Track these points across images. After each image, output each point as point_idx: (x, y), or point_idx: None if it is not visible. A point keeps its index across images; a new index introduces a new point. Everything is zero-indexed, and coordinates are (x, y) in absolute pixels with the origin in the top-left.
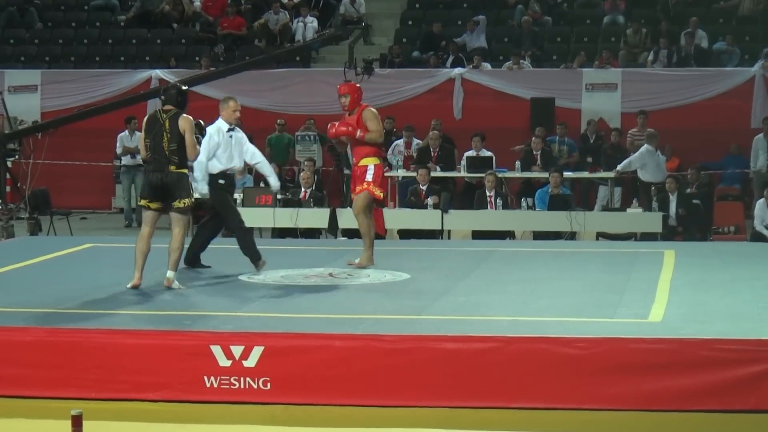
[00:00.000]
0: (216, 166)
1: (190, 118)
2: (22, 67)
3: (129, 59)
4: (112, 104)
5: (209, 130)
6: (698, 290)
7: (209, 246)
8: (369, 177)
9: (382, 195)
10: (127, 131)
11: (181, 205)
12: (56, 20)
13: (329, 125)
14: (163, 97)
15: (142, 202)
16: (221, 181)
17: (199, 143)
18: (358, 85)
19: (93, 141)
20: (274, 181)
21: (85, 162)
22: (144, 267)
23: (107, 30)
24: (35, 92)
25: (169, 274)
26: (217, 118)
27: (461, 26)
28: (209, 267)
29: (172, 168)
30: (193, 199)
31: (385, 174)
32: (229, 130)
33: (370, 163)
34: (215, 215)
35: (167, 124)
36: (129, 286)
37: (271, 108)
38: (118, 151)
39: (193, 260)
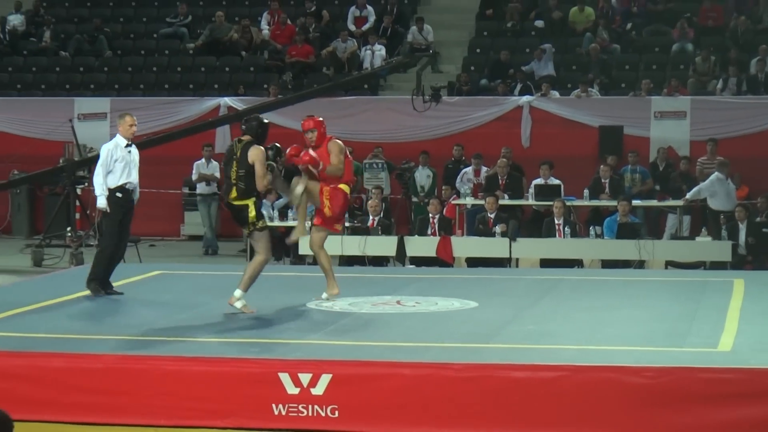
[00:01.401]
0: (114, 181)
1: (262, 149)
2: (92, 95)
3: (197, 87)
4: (180, 132)
5: (107, 146)
6: None
7: (271, 274)
8: (328, 211)
9: (339, 228)
10: (203, 158)
11: (250, 229)
12: (125, 48)
13: (294, 152)
14: (244, 126)
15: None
16: (119, 195)
17: (274, 166)
18: (321, 119)
19: (162, 168)
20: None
21: (154, 189)
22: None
23: (176, 58)
24: (104, 120)
25: (236, 292)
26: (115, 135)
27: (529, 54)
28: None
29: (233, 194)
30: (264, 223)
31: (453, 202)
32: (127, 145)
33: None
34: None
35: (239, 153)
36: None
37: (338, 135)
38: (194, 178)
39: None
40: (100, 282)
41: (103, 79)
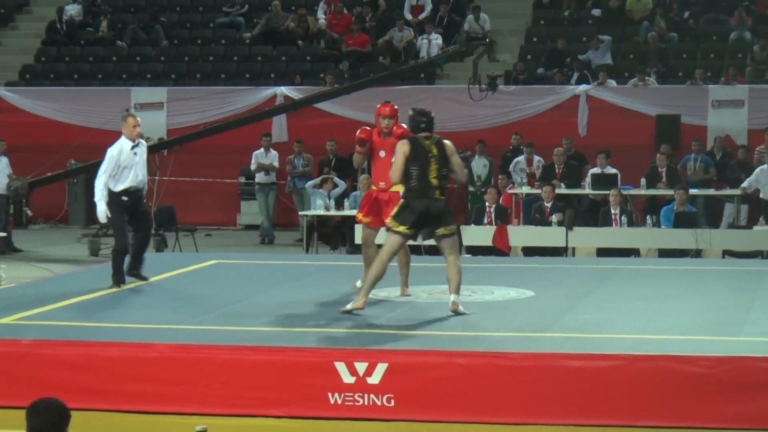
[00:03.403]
0: (120, 185)
1: (450, 142)
2: (148, 85)
3: (254, 76)
4: (237, 121)
5: (112, 152)
6: None
7: (327, 263)
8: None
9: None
10: (262, 148)
11: (448, 231)
12: (182, 38)
13: (365, 135)
14: (423, 124)
15: (400, 228)
16: (124, 198)
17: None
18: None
19: (218, 158)
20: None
21: (210, 179)
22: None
23: (232, 47)
24: (161, 109)
25: (453, 297)
26: (120, 136)
27: (586, 43)
28: (147, 279)
29: (437, 194)
30: (455, 224)
31: (510, 191)
32: (133, 147)
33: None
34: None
35: (434, 151)
36: (349, 308)
37: None
38: (252, 167)
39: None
40: (122, 277)
41: (160, 69)
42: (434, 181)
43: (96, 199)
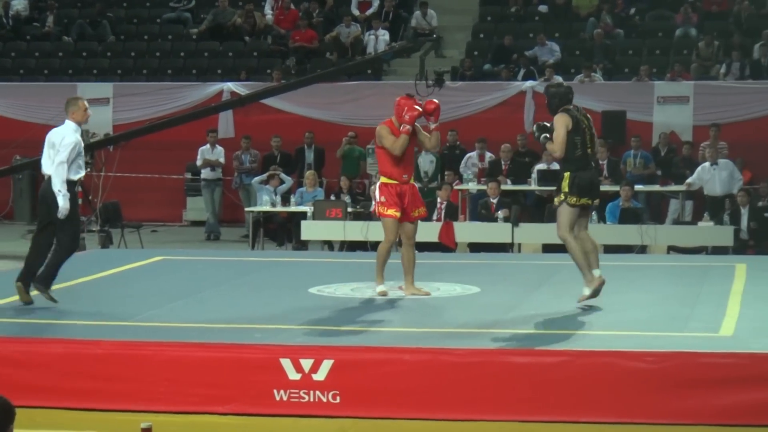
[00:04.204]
0: (76, 174)
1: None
2: (95, 80)
3: (201, 72)
4: (183, 117)
5: (72, 138)
6: None
7: (274, 259)
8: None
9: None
10: (208, 144)
11: (596, 204)
12: (129, 33)
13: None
14: (570, 95)
15: (582, 201)
16: (78, 189)
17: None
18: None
19: (164, 154)
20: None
21: (156, 175)
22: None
23: (179, 43)
24: (107, 105)
25: (596, 272)
26: (63, 122)
27: (532, 39)
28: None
29: (594, 164)
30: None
31: (457, 187)
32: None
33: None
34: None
35: (586, 121)
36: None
37: (342, 121)
38: (199, 163)
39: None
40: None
41: (106, 64)
42: (590, 151)
43: (61, 192)
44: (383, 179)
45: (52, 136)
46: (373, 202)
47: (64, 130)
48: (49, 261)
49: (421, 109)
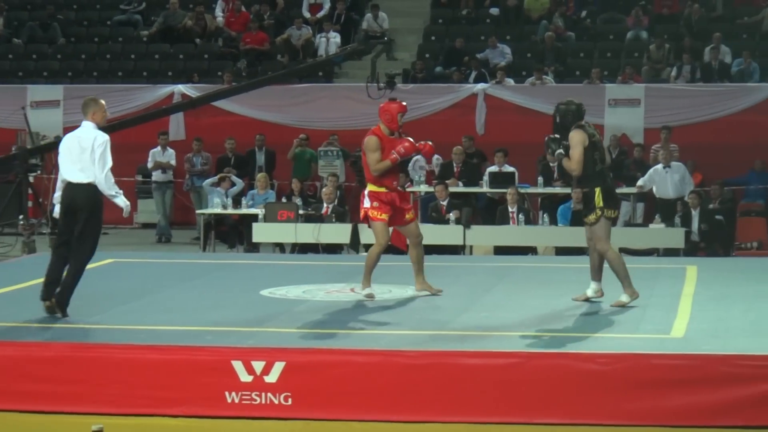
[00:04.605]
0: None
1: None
2: (45, 83)
3: (151, 74)
4: (134, 119)
5: (104, 137)
6: (720, 306)
7: (225, 262)
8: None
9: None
10: (159, 146)
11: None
12: (79, 35)
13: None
14: (584, 111)
15: (616, 213)
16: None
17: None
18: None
19: (114, 156)
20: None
21: None
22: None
23: (130, 45)
24: (57, 107)
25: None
26: (82, 123)
27: (484, 42)
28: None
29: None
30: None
31: (408, 189)
32: None
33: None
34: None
35: (599, 137)
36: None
37: (293, 123)
38: (149, 166)
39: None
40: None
41: (57, 67)
42: (605, 164)
43: (116, 192)
44: (371, 187)
45: (80, 140)
46: (362, 209)
47: (92, 131)
48: (66, 282)
49: (419, 153)
